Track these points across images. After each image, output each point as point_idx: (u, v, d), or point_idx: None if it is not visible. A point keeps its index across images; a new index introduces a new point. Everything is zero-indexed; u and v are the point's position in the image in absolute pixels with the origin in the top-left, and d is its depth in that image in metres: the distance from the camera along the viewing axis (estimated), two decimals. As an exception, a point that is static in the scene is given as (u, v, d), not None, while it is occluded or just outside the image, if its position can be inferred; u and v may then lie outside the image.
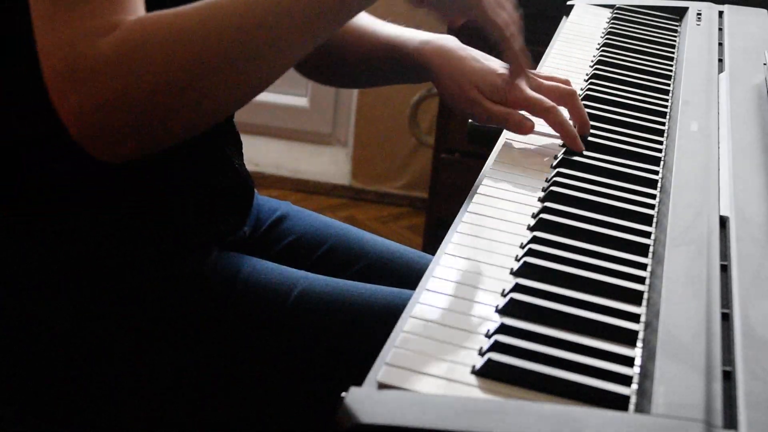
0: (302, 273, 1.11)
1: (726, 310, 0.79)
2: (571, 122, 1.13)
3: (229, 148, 1.16)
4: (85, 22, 0.90)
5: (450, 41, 1.21)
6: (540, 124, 1.14)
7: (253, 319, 1.06)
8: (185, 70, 0.91)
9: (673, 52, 1.42)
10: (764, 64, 1.27)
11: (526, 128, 1.13)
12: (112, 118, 0.91)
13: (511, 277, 0.86)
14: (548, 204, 0.97)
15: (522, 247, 0.91)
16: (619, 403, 0.71)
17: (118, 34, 0.91)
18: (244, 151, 1.22)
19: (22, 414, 1.07)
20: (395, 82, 1.34)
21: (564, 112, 1.13)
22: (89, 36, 0.90)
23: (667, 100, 1.26)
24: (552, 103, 1.13)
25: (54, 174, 1.04)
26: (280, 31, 0.94)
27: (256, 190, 1.26)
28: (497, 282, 0.86)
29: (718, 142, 1.08)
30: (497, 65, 1.17)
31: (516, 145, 1.14)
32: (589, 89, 1.26)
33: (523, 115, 1.14)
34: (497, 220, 0.96)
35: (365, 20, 1.29)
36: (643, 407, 0.69)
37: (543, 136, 1.14)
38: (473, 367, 0.73)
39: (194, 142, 1.01)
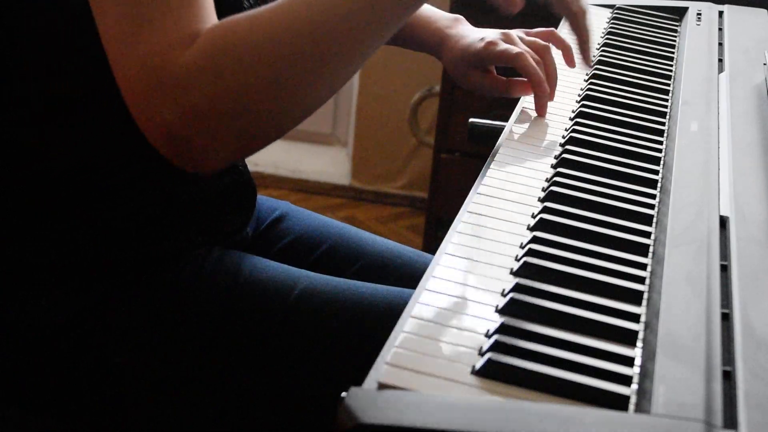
0: (303, 272, 1.12)
1: (726, 310, 0.79)
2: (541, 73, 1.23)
3: None
4: (165, 37, 0.90)
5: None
6: (542, 132, 1.14)
7: (253, 318, 1.06)
8: (271, 69, 0.91)
9: (673, 52, 1.42)
10: (764, 64, 1.27)
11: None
12: (204, 129, 0.90)
13: (511, 277, 0.86)
14: (548, 204, 0.97)
15: (522, 247, 0.91)
16: (619, 403, 0.71)
17: (199, 43, 0.91)
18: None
19: (22, 414, 1.07)
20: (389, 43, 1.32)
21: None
22: (171, 50, 0.90)
23: (667, 100, 1.26)
24: (521, 48, 1.25)
25: (58, 174, 1.04)
26: (359, 25, 0.94)
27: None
28: (497, 282, 0.86)
29: (718, 142, 1.08)
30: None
31: (516, 145, 1.14)
32: (589, 89, 1.26)
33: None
34: (497, 220, 0.96)
35: None
36: (643, 407, 0.69)
37: (543, 138, 1.15)
38: (473, 367, 0.73)
39: None
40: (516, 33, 1.31)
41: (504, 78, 1.28)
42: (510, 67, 1.25)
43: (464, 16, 1.36)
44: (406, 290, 1.10)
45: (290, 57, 0.92)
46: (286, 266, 1.12)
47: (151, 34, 0.90)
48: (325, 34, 0.93)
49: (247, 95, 0.91)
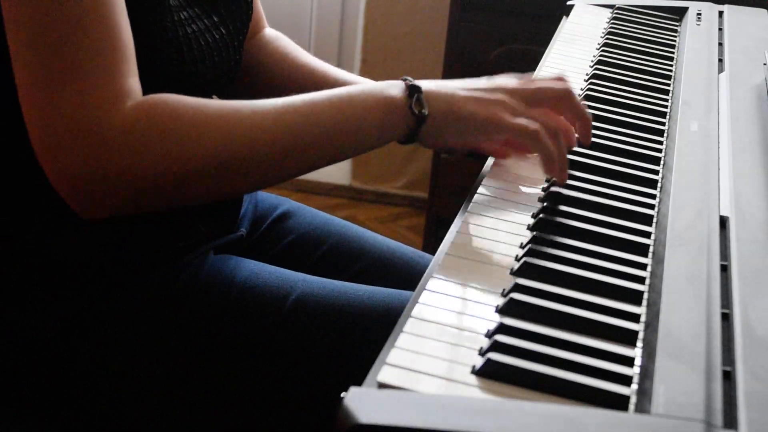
0: (300, 276, 1.11)
1: (726, 310, 0.79)
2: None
3: None
4: (98, 91, 0.89)
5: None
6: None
7: (251, 323, 1.06)
8: (202, 163, 0.92)
9: (673, 52, 1.42)
10: (764, 64, 1.27)
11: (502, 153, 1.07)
12: (112, 189, 0.91)
13: (511, 277, 0.86)
14: (548, 204, 0.97)
15: (522, 247, 0.91)
16: (619, 403, 0.71)
17: (137, 109, 0.90)
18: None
19: (20, 418, 1.07)
20: None
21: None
22: (105, 106, 0.89)
23: (667, 100, 1.26)
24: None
25: (48, 182, 1.04)
26: (306, 153, 0.96)
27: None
28: (497, 282, 0.86)
29: (718, 142, 1.08)
30: None
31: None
32: (589, 89, 1.26)
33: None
34: (497, 220, 0.96)
35: (310, 57, 1.28)
36: (643, 407, 0.69)
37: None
38: (473, 367, 0.74)
39: None
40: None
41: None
42: None
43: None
44: (405, 292, 1.10)
45: (225, 160, 0.92)
46: (282, 270, 1.12)
47: (83, 85, 0.88)
48: (266, 149, 0.94)
49: (165, 177, 0.91)
